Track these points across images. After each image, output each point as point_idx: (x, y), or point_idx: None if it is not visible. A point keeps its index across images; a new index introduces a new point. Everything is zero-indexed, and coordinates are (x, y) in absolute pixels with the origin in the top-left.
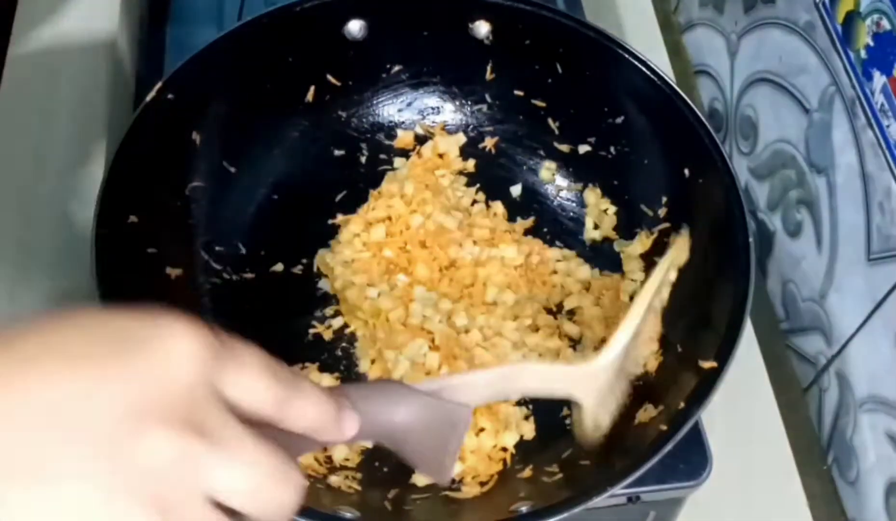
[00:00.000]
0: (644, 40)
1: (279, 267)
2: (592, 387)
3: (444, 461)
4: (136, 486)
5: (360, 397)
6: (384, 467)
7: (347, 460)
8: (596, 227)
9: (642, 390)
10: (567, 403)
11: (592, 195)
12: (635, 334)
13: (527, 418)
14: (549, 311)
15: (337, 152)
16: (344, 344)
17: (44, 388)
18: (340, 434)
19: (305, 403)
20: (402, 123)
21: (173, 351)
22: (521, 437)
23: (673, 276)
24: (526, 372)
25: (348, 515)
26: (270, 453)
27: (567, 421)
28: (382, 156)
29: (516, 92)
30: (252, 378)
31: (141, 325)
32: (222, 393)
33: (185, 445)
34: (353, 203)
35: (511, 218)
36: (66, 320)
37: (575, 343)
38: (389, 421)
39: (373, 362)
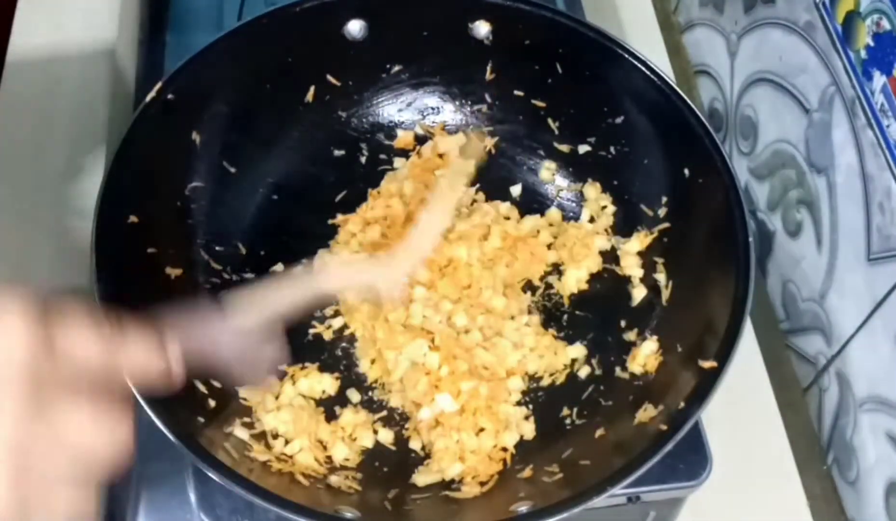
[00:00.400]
0: (644, 40)
1: (279, 267)
2: (394, 278)
3: (260, 371)
4: None
5: (182, 335)
6: (384, 467)
7: (347, 460)
8: (592, 220)
9: (642, 389)
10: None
11: (592, 190)
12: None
13: (527, 418)
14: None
15: (337, 152)
16: (344, 344)
17: None
18: (175, 374)
19: (132, 345)
20: (402, 123)
21: (4, 331)
22: (521, 437)
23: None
24: (332, 273)
25: (348, 515)
26: (101, 404)
27: (567, 421)
28: (382, 156)
29: (516, 92)
30: (80, 332)
31: None
32: (55, 350)
33: (26, 416)
34: (353, 203)
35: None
36: None
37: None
38: (209, 351)
39: (373, 362)
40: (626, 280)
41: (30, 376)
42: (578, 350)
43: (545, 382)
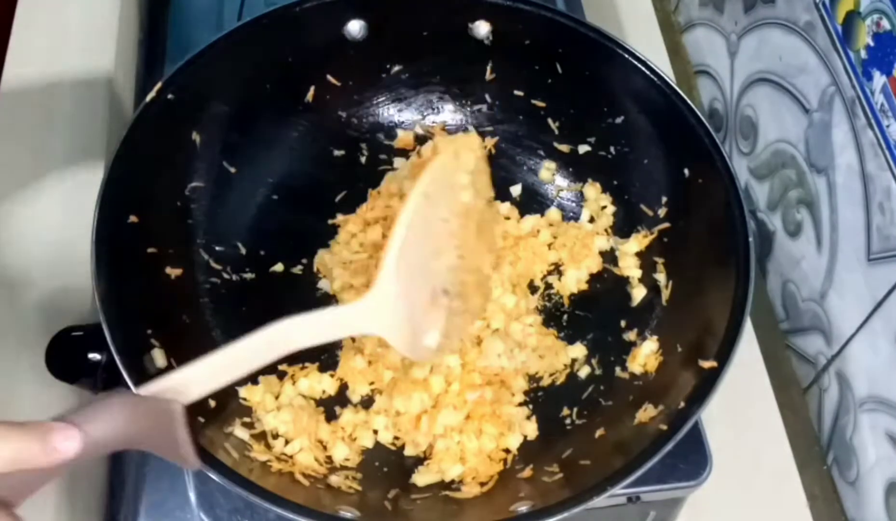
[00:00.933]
0: (644, 40)
1: (279, 267)
2: (384, 316)
3: (180, 451)
4: None
5: (82, 419)
6: (384, 467)
7: (347, 460)
8: (592, 220)
9: (642, 389)
10: (567, 403)
11: (592, 190)
12: (405, 246)
13: (528, 417)
14: (534, 288)
15: (337, 152)
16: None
17: None
18: (56, 454)
19: (18, 441)
20: (402, 123)
21: None
22: (524, 437)
23: (464, 180)
24: (294, 328)
25: (348, 515)
26: None
27: (567, 421)
28: (382, 156)
29: (516, 92)
30: None
31: None
32: None
33: None
34: (353, 203)
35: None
36: None
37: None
38: (115, 431)
39: (370, 363)
40: (626, 280)
41: None
42: (579, 350)
43: (545, 382)
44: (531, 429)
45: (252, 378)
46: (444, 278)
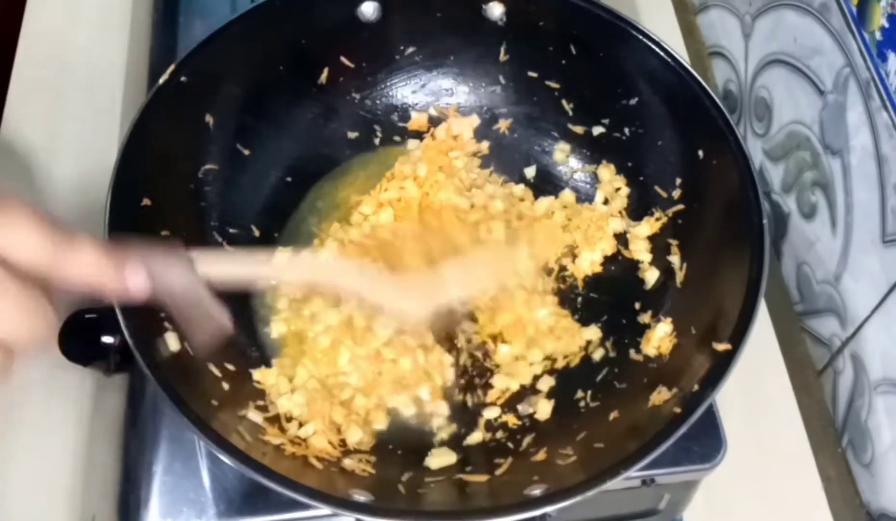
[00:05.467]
0: (658, 21)
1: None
2: (417, 310)
3: (211, 334)
4: None
5: (149, 260)
6: (398, 450)
7: (361, 443)
8: (606, 202)
9: (656, 372)
10: (581, 386)
11: (606, 172)
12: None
13: (547, 397)
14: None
15: (350, 134)
16: None
17: None
18: (123, 284)
19: (81, 255)
20: (416, 104)
21: None
22: (536, 419)
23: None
24: (330, 268)
25: (362, 498)
26: (24, 289)
27: (581, 404)
28: (396, 138)
29: (530, 73)
30: (22, 233)
31: None
32: None
33: None
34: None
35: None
36: None
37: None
38: (176, 284)
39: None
40: (640, 263)
41: None
42: (594, 332)
43: (560, 364)
44: (546, 409)
45: (266, 361)
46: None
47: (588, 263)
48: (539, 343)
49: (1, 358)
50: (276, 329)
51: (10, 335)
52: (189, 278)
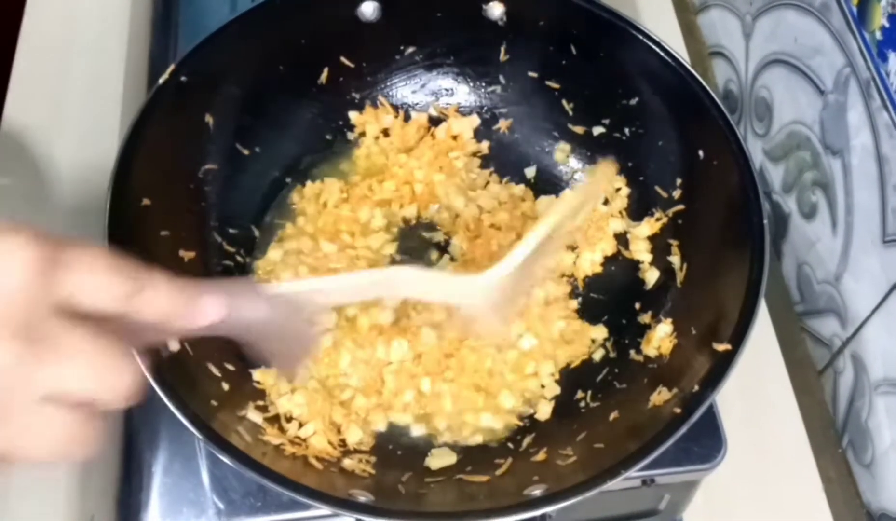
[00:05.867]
0: (658, 21)
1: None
2: (485, 297)
3: (297, 359)
4: None
5: (229, 292)
6: (398, 450)
7: (361, 443)
8: (606, 202)
9: (656, 372)
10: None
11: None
12: (535, 253)
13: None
14: None
15: (350, 135)
16: None
17: None
18: (200, 318)
19: (155, 293)
20: (416, 104)
21: (1, 264)
22: (536, 419)
23: (591, 206)
24: (408, 277)
25: (362, 498)
26: (103, 346)
27: (581, 404)
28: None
29: (530, 73)
30: (92, 277)
31: None
32: (59, 295)
33: (13, 353)
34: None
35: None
36: None
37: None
38: (254, 313)
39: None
40: (640, 263)
41: (25, 306)
42: (599, 332)
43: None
44: (546, 411)
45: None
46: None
47: (588, 263)
48: (552, 354)
49: (83, 419)
50: None
51: (91, 395)
52: (266, 308)
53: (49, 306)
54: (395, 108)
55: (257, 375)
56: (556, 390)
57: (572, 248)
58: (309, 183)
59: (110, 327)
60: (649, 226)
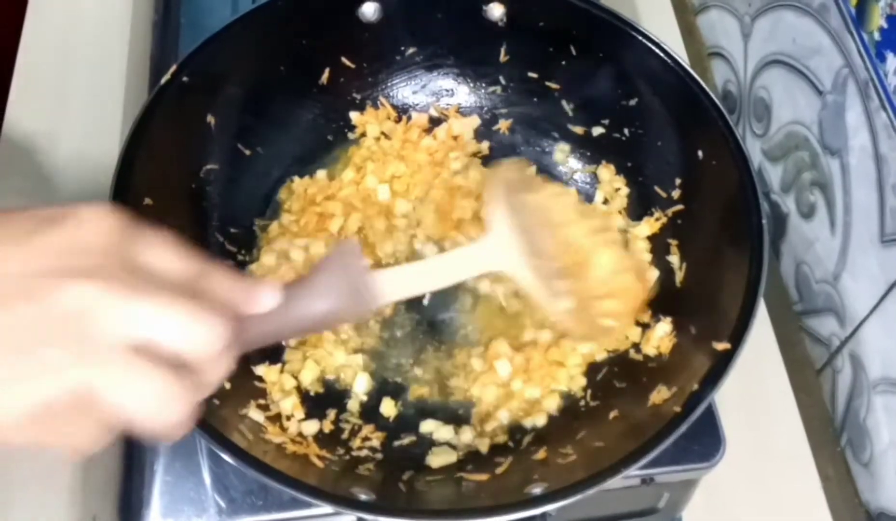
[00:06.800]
0: (658, 22)
1: None
2: (507, 252)
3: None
4: (54, 329)
5: (288, 287)
6: (399, 448)
7: (366, 440)
8: (606, 202)
9: (656, 371)
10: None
11: (606, 172)
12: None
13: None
14: None
15: (351, 135)
16: None
17: None
18: (259, 304)
19: (219, 277)
20: (417, 105)
21: (86, 223)
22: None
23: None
24: (441, 263)
25: (363, 496)
26: (192, 301)
27: (581, 403)
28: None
29: (530, 74)
30: (165, 251)
31: (58, 210)
32: (136, 259)
33: (102, 291)
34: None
35: None
36: None
37: None
38: (310, 310)
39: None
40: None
41: (121, 256)
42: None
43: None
44: (554, 405)
45: (268, 357)
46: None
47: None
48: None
49: (175, 381)
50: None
51: (182, 348)
52: (322, 305)
53: (130, 261)
54: (396, 108)
55: (260, 370)
56: (582, 381)
57: None
58: (297, 178)
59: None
60: (649, 226)
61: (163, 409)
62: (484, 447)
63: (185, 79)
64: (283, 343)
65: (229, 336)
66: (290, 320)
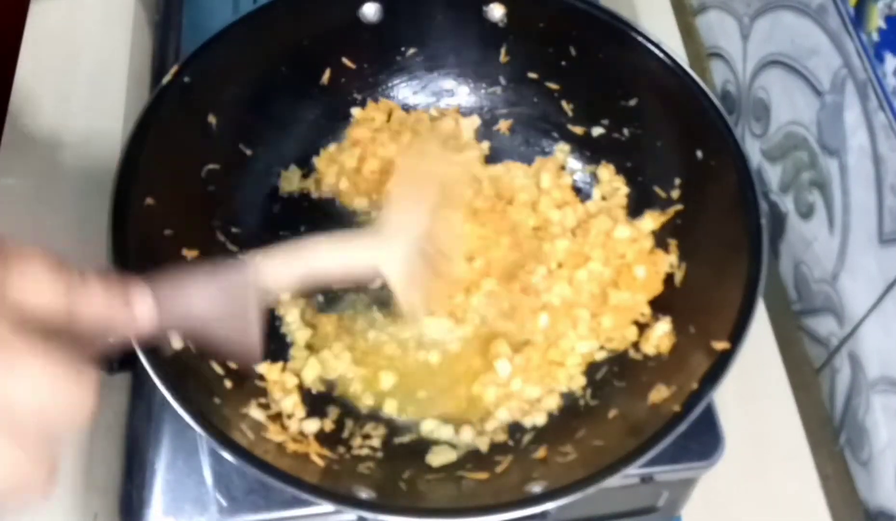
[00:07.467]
0: (657, 23)
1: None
2: (390, 255)
3: (249, 338)
4: None
5: (158, 291)
6: (399, 447)
7: (366, 439)
8: (604, 199)
9: (655, 370)
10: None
11: (605, 172)
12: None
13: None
14: None
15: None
16: None
17: None
18: (134, 320)
19: (92, 292)
20: (417, 105)
21: None
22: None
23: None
24: (321, 250)
25: (364, 495)
26: (58, 357)
27: (581, 401)
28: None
29: (530, 75)
30: (36, 275)
31: None
32: (7, 298)
33: None
34: None
35: None
36: None
37: None
38: (189, 309)
39: None
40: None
41: None
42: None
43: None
44: (554, 404)
45: (270, 355)
46: (423, 236)
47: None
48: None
49: (33, 449)
50: (300, 336)
51: (45, 411)
52: (207, 300)
53: (8, 304)
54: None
55: (262, 368)
56: (582, 381)
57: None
58: (293, 166)
59: (58, 342)
60: (653, 220)
61: (21, 482)
62: (484, 445)
63: (186, 79)
64: (289, 341)
65: (94, 393)
66: (174, 317)
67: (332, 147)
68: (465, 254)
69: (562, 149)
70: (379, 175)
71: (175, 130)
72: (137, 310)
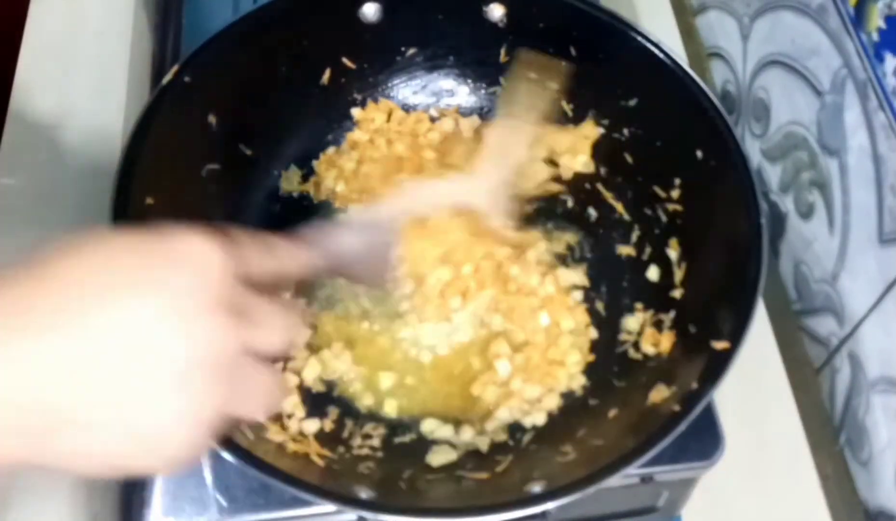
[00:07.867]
0: (657, 23)
1: None
2: (481, 190)
3: (385, 271)
4: (203, 360)
5: (312, 238)
6: (399, 447)
7: (366, 439)
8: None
9: (655, 370)
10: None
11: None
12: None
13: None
14: None
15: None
16: None
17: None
18: (310, 263)
19: (286, 250)
20: (417, 105)
21: (198, 257)
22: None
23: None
24: (427, 189)
25: (364, 495)
26: (282, 312)
27: (581, 402)
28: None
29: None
30: (253, 253)
31: (158, 243)
32: (238, 272)
33: (229, 326)
34: None
35: None
36: (90, 252)
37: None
38: (339, 249)
39: None
40: (640, 262)
41: (228, 295)
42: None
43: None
44: (554, 403)
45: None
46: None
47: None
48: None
49: (272, 370)
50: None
51: (275, 348)
52: (354, 244)
53: (238, 284)
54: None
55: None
56: (582, 380)
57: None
58: (293, 166)
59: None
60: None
61: (276, 395)
62: (484, 445)
63: (186, 79)
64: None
65: (300, 326)
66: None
67: (330, 150)
68: (454, 261)
69: None
70: (376, 179)
71: (175, 130)
72: (309, 257)
